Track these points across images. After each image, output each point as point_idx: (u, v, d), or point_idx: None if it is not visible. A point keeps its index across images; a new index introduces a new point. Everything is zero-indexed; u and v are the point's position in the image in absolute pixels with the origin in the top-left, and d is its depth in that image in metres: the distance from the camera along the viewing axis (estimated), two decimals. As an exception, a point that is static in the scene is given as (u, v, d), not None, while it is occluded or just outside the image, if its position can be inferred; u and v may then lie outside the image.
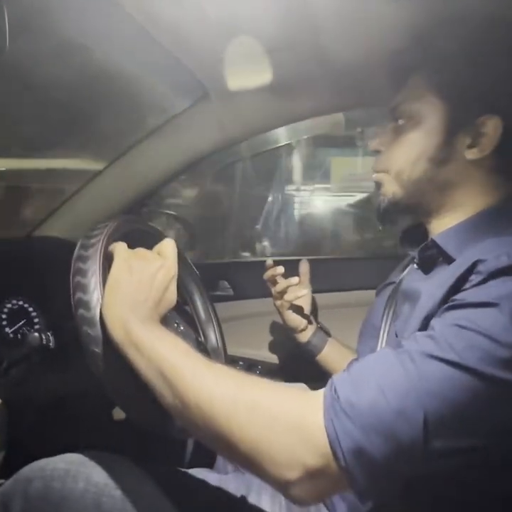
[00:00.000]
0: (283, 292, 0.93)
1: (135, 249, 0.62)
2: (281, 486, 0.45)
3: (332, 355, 0.94)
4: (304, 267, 0.98)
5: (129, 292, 0.56)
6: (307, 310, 0.97)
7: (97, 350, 0.55)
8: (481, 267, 0.49)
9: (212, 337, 0.91)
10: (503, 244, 0.51)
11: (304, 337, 0.96)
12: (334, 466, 0.43)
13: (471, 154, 0.61)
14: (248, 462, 0.46)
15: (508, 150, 0.60)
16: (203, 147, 1.05)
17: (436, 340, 0.46)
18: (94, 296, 0.56)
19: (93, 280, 0.57)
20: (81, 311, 0.56)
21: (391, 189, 0.67)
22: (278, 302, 0.96)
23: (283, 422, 0.45)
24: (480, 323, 0.45)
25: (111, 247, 0.62)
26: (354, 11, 0.68)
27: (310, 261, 0.99)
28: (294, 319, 0.95)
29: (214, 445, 0.50)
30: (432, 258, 0.63)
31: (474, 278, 0.49)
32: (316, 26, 0.73)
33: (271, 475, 0.45)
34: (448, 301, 0.51)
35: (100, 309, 0.56)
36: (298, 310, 0.96)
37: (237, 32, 0.74)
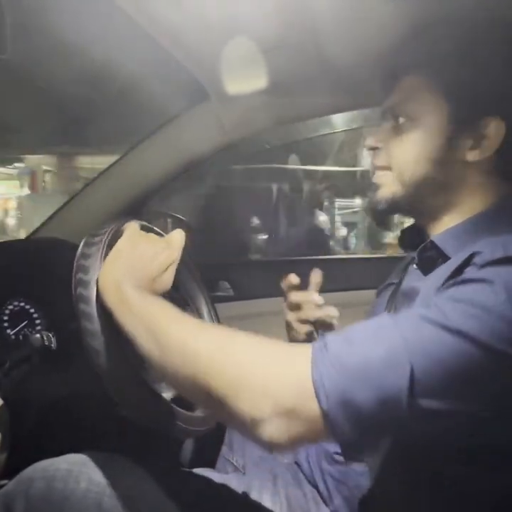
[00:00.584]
0: (298, 306, 0.85)
1: (145, 233, 0.65)
2: (255, 424, 0.45)
3: None
4: (317, 276, 0.86)
5: (128, 262, 0.58)
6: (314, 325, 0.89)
7: (90, 326, 0.56)
8: (477, 259, 0.50)
9: None
10: (500, 240, 0.51)
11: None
12: (315, 408, 0.44)
13: (472, 156, 0.60)
14: (226, 401, 0.46)
15: (508, 152, 0.60)
16: (202, 148, 1.06)
17: (431, 308, 0.47)
18: (94, 277, 0.58)
19: (95, 264, 0.59)
20: (79, 289, 0.58)
21: (391, 189, 0.66)
22: (292, 316, 0.86)
23: (267, 366, 0.46)
24: (474, 296, 0.46)
25: (124, 226, 0.64)
26: (353, 10, 0.68)
27: (310, 261, 0.99)
28: (301, 335, 0.87)
29: (193, 392, 0.51)
30: (431, 259, 0.63)
31: (470, 269, 0.50)
32: (315, 26, 0.73)
33: (246, 412, 0.45)
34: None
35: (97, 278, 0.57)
36: (307, 326, 0.86)
37: (236, 33, 0.74)
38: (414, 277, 0.68)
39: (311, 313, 0.83)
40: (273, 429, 0.44)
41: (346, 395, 0.43)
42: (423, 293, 0.58)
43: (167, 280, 0.61)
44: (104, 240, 0.61)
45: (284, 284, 0.85)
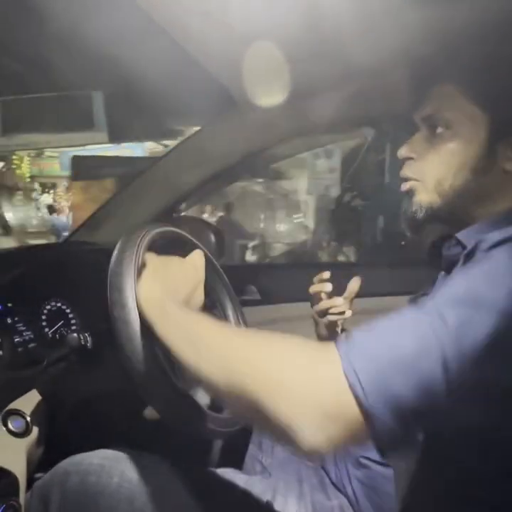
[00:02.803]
0: (325, 311, 0.91)
1: (168, 257, 0.68)
2: (296, 433, 0.43)
3: None
4: (355, 285, 0.92)
5: (165, 280, 0.62)
6: (341, 326, 0.95)
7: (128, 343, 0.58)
8: (483, 244, 0.52)
9: None
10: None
11: None
12: (354, 407, 0.42)
13: (510, 166, 0.60)
14: (261, 407, 0.45)
15: None
16: (230, 155, 1.08)
17: (448, 289, 0.48)
18: (127, 292, 0.60)
19: (126, 281, 0.61)
20: (116, 311, 0.59)
21: (427, 198, 0.65)
22: (318, 318, 0.94)
23: (298, 370, 0.46)
24: (486, 271, 0.47)
25: (145, 257, 0.66)
26: (384, 18, 0.68)
27: (344, 265, 0.98)
28: (328, 334, 0.94)
29: (229, 397, 0.51)
30: (456, 259, 0.64)
31: (477, 253, 0.52)
32: (342, 36, 0.74)
33: (283, 417, 0.44)
34: None
35: (135, 292, 0.59)
36: (334, 326, 0.94)
37: (263, 43, 0.76)
38: (440, 280, 0.68)
39: (338, 316, 0.89)
40: (312, 433, 0.43)
41: (382, 385, 0.42)
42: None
43: (198, 299, 0.67)
44: (134, 259, 0.63)
45: (313, 289, 0.90)
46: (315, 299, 0.92)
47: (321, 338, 0.97)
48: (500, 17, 0.62)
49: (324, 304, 0.90)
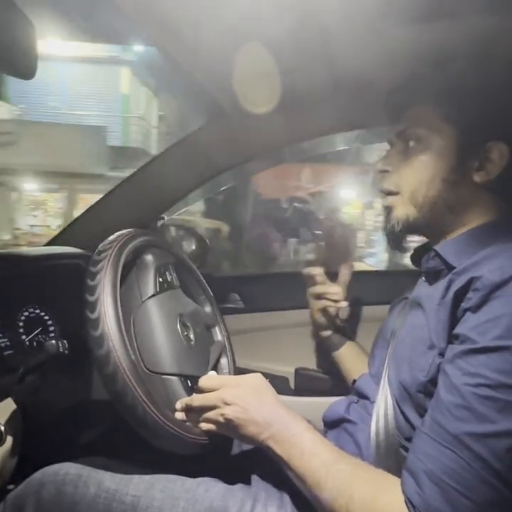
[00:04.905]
0: (319, 296, 0.92)
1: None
2: None
3: (348, 356, 0.96)
4: (347, 270, 0.94)
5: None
6: (337, 315, 0.96)
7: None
8: (477, 284, 0.53)
9: (222, 350, 0.92)
10: (497, 257, 0.55)
11: (325, 333, 0.97)
12: None
13: (479, 177, 0.64)
14: None
15: (510, 175, 0.63)
16: (218, 163, 1.08)
17: (472, 412, 0.49)
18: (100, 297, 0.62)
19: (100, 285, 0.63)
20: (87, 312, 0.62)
21: (404, 211, 0.68)
22: (314, 307, 0.95)
23: None
24: (498, 376, 0.49)
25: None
26: (365, 36, 0.71)
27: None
28: (323, 322, 0.96)
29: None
30: (436, 269, 0.67)
31: (472, 296, 0.53)
32: (330, 47, 0.76)
33: None
34: (453, 323, 0.55)
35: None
36: (330, 314, 0.95)
37: (252, 52, 0.77)
38: (421, 288, 0.71)
39: (334, 308, 0.90)
40: None
41: None
42: (427, 304, 0.62)
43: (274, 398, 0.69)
44: (107, 260, 0.65)
45: (308, 271, 0.92)
46: (310, 281, 0.93)
47: (315, 323, 0.96)
48: (474, 49, 0.68)
49: (319, 288, 0.92)
